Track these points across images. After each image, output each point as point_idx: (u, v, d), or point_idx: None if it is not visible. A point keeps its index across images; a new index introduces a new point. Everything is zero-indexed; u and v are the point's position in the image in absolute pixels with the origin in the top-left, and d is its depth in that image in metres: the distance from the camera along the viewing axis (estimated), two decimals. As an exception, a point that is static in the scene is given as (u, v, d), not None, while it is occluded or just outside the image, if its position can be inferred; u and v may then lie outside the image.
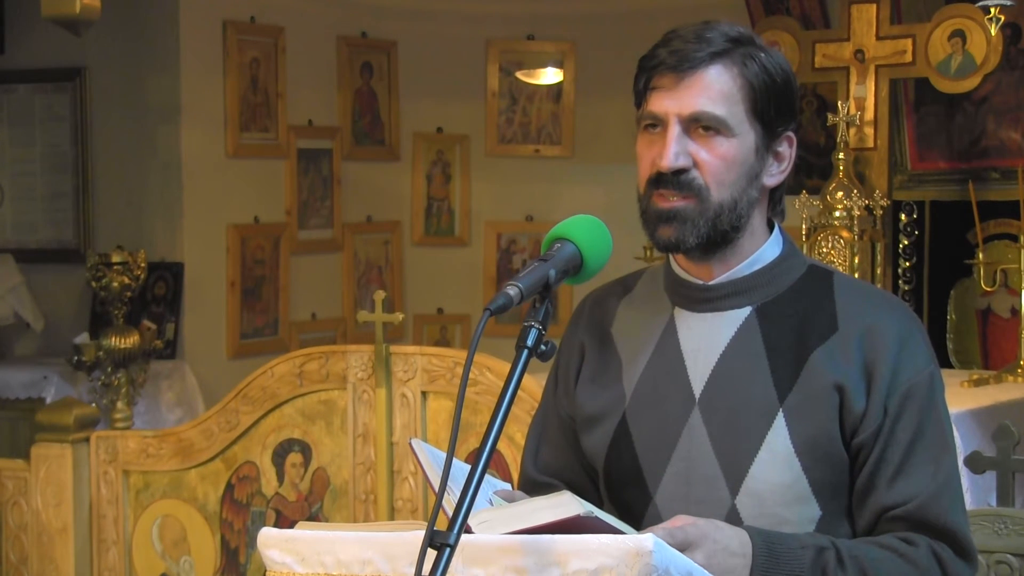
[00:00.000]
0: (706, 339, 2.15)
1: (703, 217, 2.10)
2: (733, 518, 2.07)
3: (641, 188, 2.14)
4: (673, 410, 2.14)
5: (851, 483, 2.11)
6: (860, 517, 2.11)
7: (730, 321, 2.15)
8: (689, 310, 2.19)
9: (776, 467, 2.07)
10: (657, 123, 2.11)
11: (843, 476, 2.10)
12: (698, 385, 2.14)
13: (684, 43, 2.10)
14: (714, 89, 2.09)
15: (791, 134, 2.17)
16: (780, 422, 2.08)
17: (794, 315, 2.13)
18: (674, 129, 2.09)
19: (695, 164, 2.09)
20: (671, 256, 2.22)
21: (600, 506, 2.25)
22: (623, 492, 2.18)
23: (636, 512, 2.15)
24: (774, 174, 2.17)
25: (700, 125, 2.09)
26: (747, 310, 2.15)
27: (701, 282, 2.18)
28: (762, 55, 2.13)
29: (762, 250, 2.17)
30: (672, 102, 2.09)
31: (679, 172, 2.09)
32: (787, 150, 2.18)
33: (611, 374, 2.22)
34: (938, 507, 2.07)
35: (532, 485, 2.29)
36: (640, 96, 2.14)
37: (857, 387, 2.08)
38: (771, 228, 2.21)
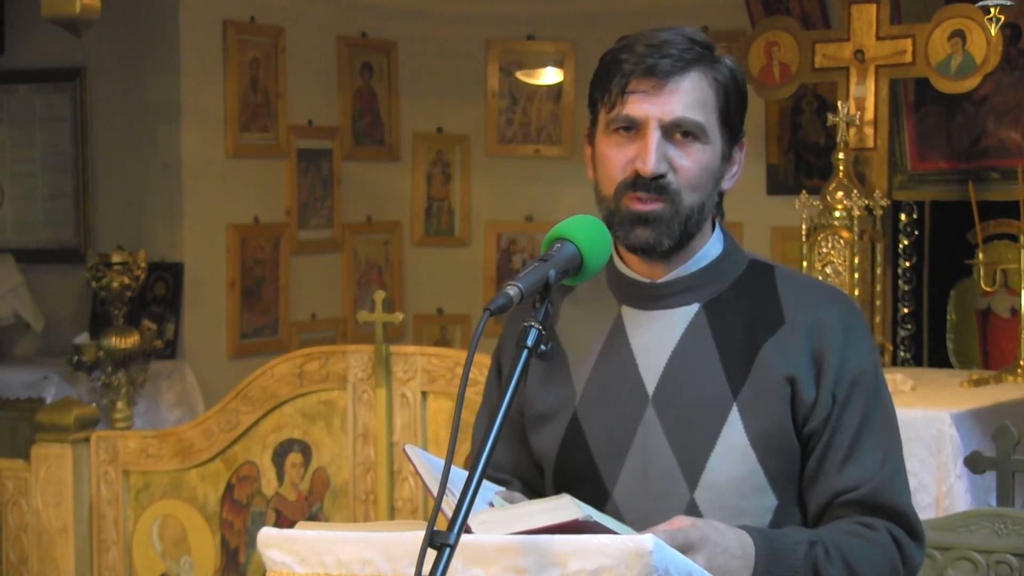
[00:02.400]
0: (656, 337, 2.18)
1: (676, 220, 2.13)
2: (692, 511, 2.11)
3: (610, 190, 2.17)
4: (626, 408, 2.17)
5: (802, 470, 2.15)
6: (810, 501, 2.15)
7: (679, 319, 2.18)
8: (637, 308, 2.21)
9: (733, 460, 2.11)
10: (632, 127, 2.13)
11: (796, 465, 2.15)
12: (651, 383, 2.16)
13: (651, 48, 2.13)
14: (692, 95, 2.12)
15: (743, 139, 2.22)
16: (735, 416, 2.11)
17: (741, 310, 2.18)
18: (655, 134, 2.11)
19: (672, 169, 2.12)
20: (615, 254, 2.24)
21: None
22: (577, 489, 2.18)
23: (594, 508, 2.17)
24: (729, 178, 2.21)
25: (680, 131, 2.12)
26: (695, 307, 2.19)
27: (648, 280, 2.20)
28: (727, 61, 2.18)
29: (706, 248, 2.21)
30: (653, 107, 2.12)
31: (657, 177, 2.12)
32: (739, 155, 2.22)
33: (559, 372, 2.24)
34: (890, 491, 2.13)
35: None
36: (609, 98, 2.15)
37: (807, 377, 2.12)
38: (713, 227, 2.24)
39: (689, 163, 2.12)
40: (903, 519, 2.13)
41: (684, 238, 2.15)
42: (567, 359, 2.24)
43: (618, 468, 2.16)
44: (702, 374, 2.14)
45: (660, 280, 2.20)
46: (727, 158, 2.18)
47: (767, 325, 2.15)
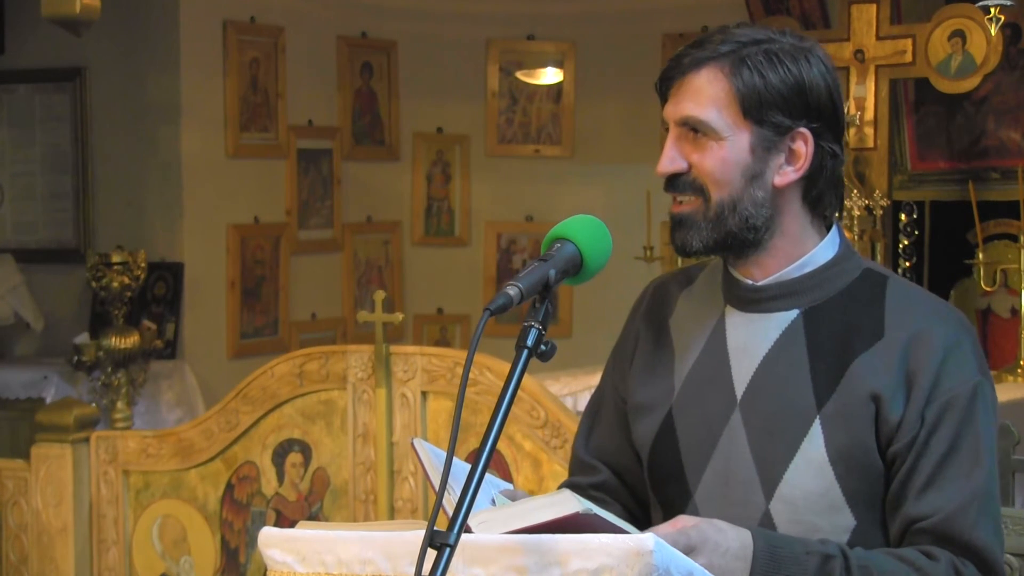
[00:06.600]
0: (751, 340, 2.15)
1: (705, 219, 2.10)
2: (767, 523, 2.07)
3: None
4: (716, 409, 2.14)
5: (885, 493, 2.08)
6: (890, 527, 2.08)
7: (776, 323, 2.14)
8: (739, 309, 2.18)
9: (810, 474, 2.06)
10: (668, 129, 2.16)
11: (878, 487, 2.08)
12: (740, 387, 2.13)
13: (689, 49, 2.14)
14: (703, 93, 2.09)
15: (804, 131, 2.13)
16: (816, 430, 2.06)
17: (841, 320, 2.12)
18: (671, 134, 2.13)
19: (691, 166, 2.11)
20: None
21: (645, 497, 2.26)
22: (665, 486, 2.18)
23: (677, 508, 2.15)
24: (787, 173, 2.13)
25: (690, 128, 2.11)
26: (794, 313, 2.14)
27: (751, 282, 2.17)
28: (760, 57, 2.10)
29: (813, 253, 2.16)
30: (670, 108, 2.13)
31: (677, 175, 2.11)
32: (802, 147, 2.14)
33: (663, 365, 2.22)
34: (964, 522, 2.03)
35: (581, 466, 2.30)
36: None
37: (895, 396, 2.05)
38: (829, 228, 2.19)
39: (702, 159, 2.10)
40: (976, 554, 2.02)
41: (726, 237, 2.10)
42: (673, 353, 2.22)
43: (701, 470, 2.14)
44: (790, 383, 2.09)
45: (760, 283, 2.16)
46: (764, 152, 2.10)
47: (865, 337, 2.09)
